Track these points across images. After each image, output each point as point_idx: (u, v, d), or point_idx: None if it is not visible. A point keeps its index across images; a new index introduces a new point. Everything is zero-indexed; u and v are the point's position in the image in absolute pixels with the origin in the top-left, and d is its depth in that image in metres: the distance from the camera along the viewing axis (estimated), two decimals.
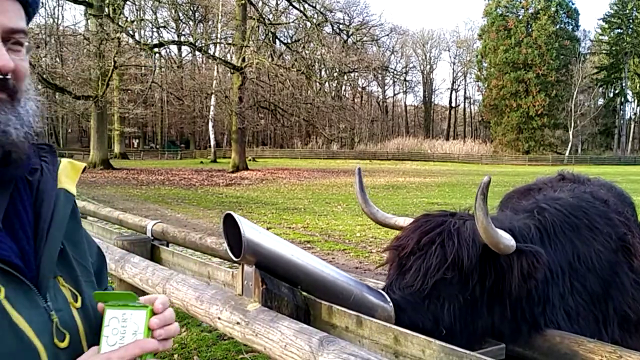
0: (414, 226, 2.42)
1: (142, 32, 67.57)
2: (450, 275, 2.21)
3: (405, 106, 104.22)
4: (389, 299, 2.22)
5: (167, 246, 4.47)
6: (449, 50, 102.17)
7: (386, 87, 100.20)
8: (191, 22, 67.72)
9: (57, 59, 48.51)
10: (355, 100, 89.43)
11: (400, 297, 2.21)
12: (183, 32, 67.63)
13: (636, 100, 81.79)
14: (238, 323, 2.07)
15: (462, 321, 2.22)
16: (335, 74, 49.53)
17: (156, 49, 39.70)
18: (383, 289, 2.33)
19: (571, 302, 2.44)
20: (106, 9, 35.74)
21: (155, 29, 67.24)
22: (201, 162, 55.21)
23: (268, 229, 12.05)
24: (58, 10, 68.38)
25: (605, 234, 2.62)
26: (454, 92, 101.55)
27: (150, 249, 3.71)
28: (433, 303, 2.20)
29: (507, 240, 2.18)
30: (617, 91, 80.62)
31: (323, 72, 52.16)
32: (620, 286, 2.58)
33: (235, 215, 2.07)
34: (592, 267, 2.51)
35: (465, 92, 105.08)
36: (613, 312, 2.56)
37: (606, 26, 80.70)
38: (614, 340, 2.49)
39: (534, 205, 2.67)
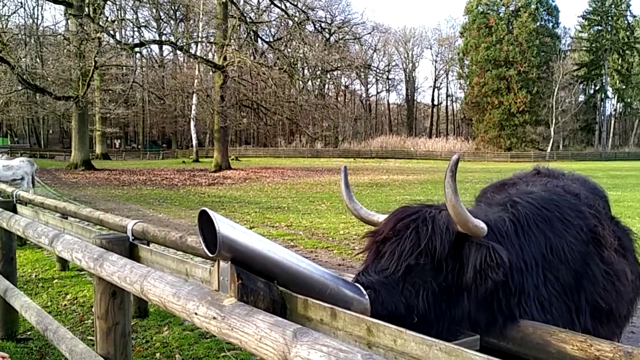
0: (391, 215, 2.48)
1: (123, 31, 67.22)
2: (423, 261, 2.24)
3: (388, 104, 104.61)
4: (365, 292, 2.24)
5: (148, 245, 4.46)
6: (430, 48, 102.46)
7: (369, 86, 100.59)
8: (172, 22, 67.39)
9: (37, 60, 48.04)
10: (339, 98, 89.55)
11: (375, 279, 2.24)
12: (164, 32, 67.33)
13: (616, 97, 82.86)
14: (214, 318, 2.09)
15: (437, 309, 2.25)
16: (318, 72, 49.61)
17: (137, 49, 39.55)
18: (358, 274, 2.36)
19: (544, 293, 2.48)
20: (86, 9, 35.45)
21: (136, 29, 66.92)
22: (183, 162, 54.97)
23: (251, 228, 12.06)
24: (38, 10, 67.84)
25: (576, 226, 2.67)
26: (436, 90, 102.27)
27: (129, 247, 3.71)
28: (407, 289, 2.23)
29: (476, 220, 2.21)
30: (597, 87, 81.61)
31: (306, 71, 52.13)
32: (592, 277, 2.63)
33: (210, 212, 2.08)
34: (564, 258, 2.56)
35: (447, 90, 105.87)
36: (585, 302, 2.60)
37: (586, 23, 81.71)
38: (585, 329, 2.54)
39: (507, 199, 2.71)
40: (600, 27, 79.40)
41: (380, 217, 2.87)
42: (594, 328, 2.62)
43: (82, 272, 8.05)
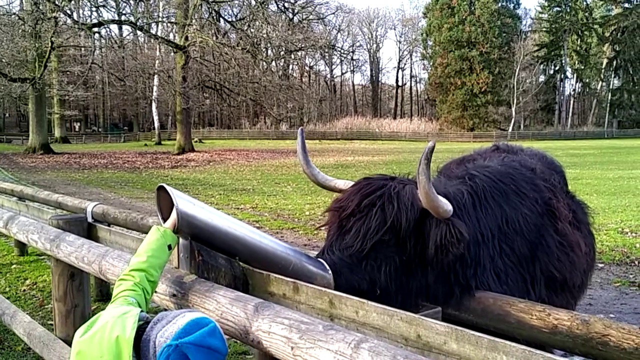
0: (355, 189, 2.45)
1: (81, 11, 65.12)
2: (388, 237, 2.26)
3: (353, 85, 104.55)
4: (328, 267, 2.24)
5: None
6: (394, 29, 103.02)
7: (333, 66, 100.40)
8: (132, 1, 65.62)
9: None
10: (303, 79, 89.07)
11: (338, 259, 2.24)
12: (123, 11, 65.52)
13: (575, 77, 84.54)
14: (174, 295, 2.07)
15: (397, 282, 2.27)
16: (282, 53, 49.06)
17: (95, 29, 38.37)
18: (323, 250, 2.35)
19: (500, 264, 2.53)
20: None
21: (94, 8, 64.92)
22: (145, 145, 54.11)
23: None
24: None
25: (531, 199, 2.72)
26: (400, 70, 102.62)
27: (87, 227, 3.64)
28: (370, 264, 2.24)
29: (446, 204, 2.23)
30: (557, 68, 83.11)
31: (269, 51, 51.56)
32: (546, 248, 2.69)
33: (168, 187, 2.05)
34: (520, 230, 2.61)
35: (411, 71, 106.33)
36: (540, 272, 2.66)
37: (546, 4, 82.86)
38: (541, 299, 2.60)
39: (464, 173, 2.74)
40: (559, 8, 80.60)
41: (339, 183, 2.85)
42: (548, 297, 2.68)
43: (42, 257, 7.88)
